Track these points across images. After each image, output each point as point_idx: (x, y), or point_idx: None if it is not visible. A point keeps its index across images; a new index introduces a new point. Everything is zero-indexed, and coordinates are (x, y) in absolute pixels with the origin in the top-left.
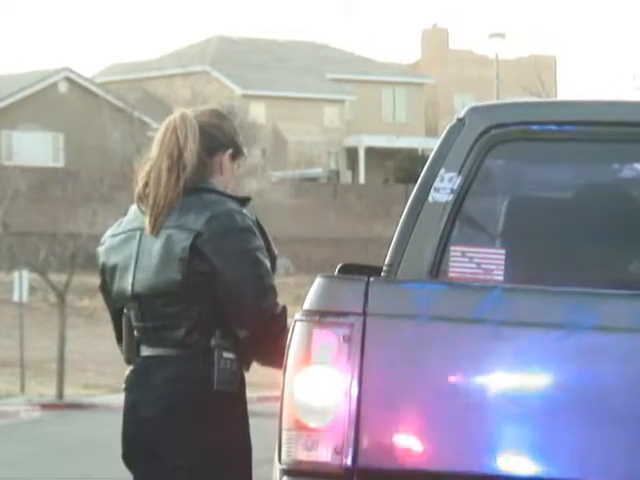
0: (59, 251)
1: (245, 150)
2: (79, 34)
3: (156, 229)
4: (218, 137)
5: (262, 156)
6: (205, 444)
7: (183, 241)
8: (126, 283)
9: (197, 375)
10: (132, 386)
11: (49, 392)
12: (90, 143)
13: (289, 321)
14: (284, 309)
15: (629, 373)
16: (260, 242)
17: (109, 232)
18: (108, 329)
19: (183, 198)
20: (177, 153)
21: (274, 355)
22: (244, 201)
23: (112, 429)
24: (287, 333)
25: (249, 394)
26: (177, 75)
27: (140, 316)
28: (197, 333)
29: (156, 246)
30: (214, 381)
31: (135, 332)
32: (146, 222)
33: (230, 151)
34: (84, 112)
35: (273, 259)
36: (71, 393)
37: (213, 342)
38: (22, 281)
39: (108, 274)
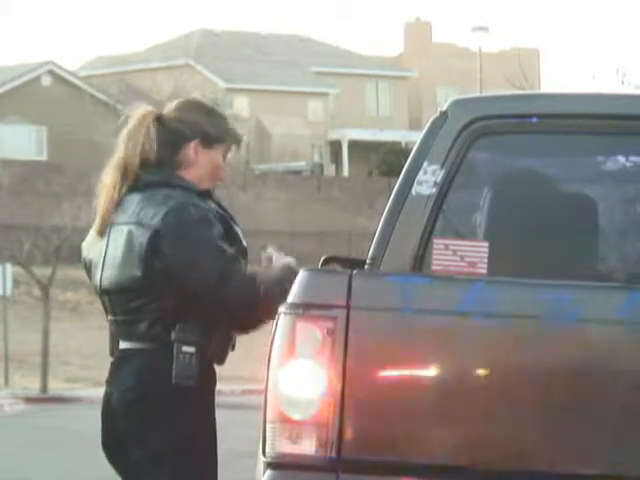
0: (43, 244)
1: (226, 135)
2: (63, 27)
3: (101, 229)
4: (182, 130)
5: (246, 149)
6: (165, 437)
7: (140, 237)
8: (97, 278)
9: (159, 368)
10: (109, 378)
11: (33, 385)
12: (73, 136)
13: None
14: (252, 278)
15: (612, 365)
16: (217, 230)
17: (93, 227)
18: (92, 322)
19: (150, 191)
20: (123, 164)
21: (264, 314)
22: (204, 194)
23: (95, 422)
24: (268, 293)
25: (233, 387)
26: (161, 68)
27: (111, 310)
28: (159, 327)
29: (120, 242)
30: (172, 375)
31: (110, 326)
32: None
33: (196, 141)
34: (68, 105)
35: (242, 252)
36: (55, 386)
37: (173, 336)
38: (5, 274)
39: (87, 269)
